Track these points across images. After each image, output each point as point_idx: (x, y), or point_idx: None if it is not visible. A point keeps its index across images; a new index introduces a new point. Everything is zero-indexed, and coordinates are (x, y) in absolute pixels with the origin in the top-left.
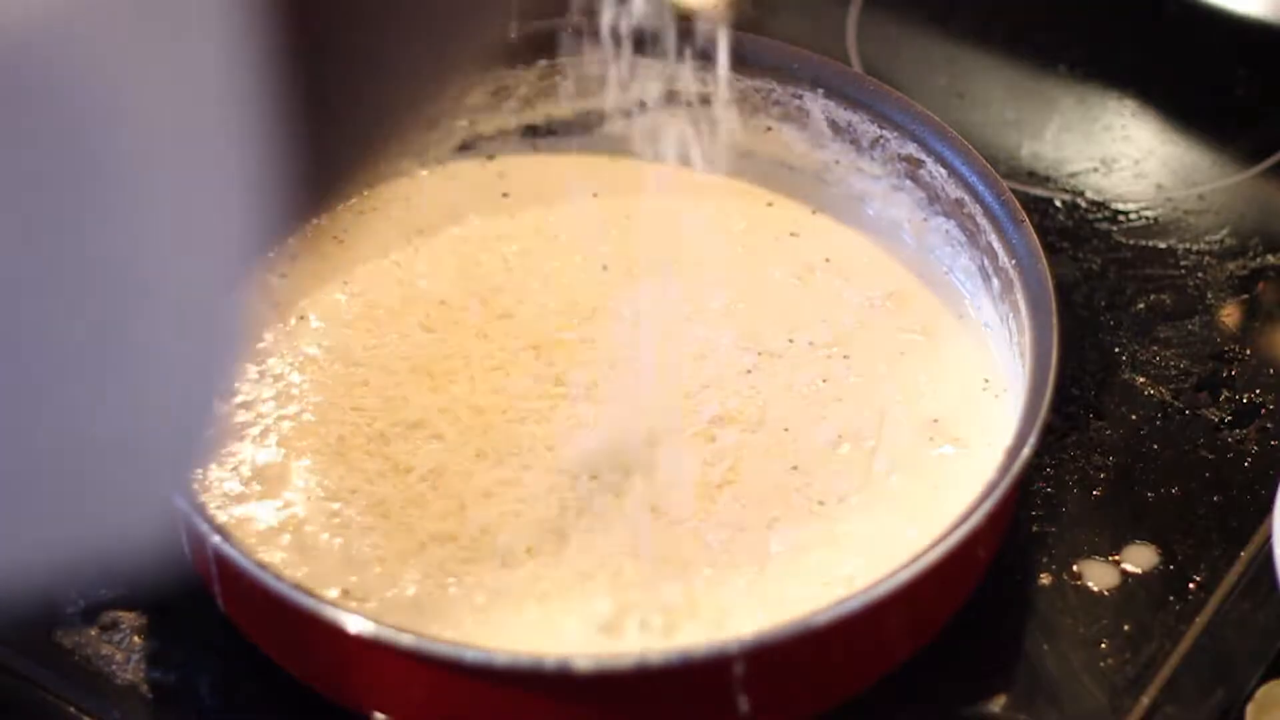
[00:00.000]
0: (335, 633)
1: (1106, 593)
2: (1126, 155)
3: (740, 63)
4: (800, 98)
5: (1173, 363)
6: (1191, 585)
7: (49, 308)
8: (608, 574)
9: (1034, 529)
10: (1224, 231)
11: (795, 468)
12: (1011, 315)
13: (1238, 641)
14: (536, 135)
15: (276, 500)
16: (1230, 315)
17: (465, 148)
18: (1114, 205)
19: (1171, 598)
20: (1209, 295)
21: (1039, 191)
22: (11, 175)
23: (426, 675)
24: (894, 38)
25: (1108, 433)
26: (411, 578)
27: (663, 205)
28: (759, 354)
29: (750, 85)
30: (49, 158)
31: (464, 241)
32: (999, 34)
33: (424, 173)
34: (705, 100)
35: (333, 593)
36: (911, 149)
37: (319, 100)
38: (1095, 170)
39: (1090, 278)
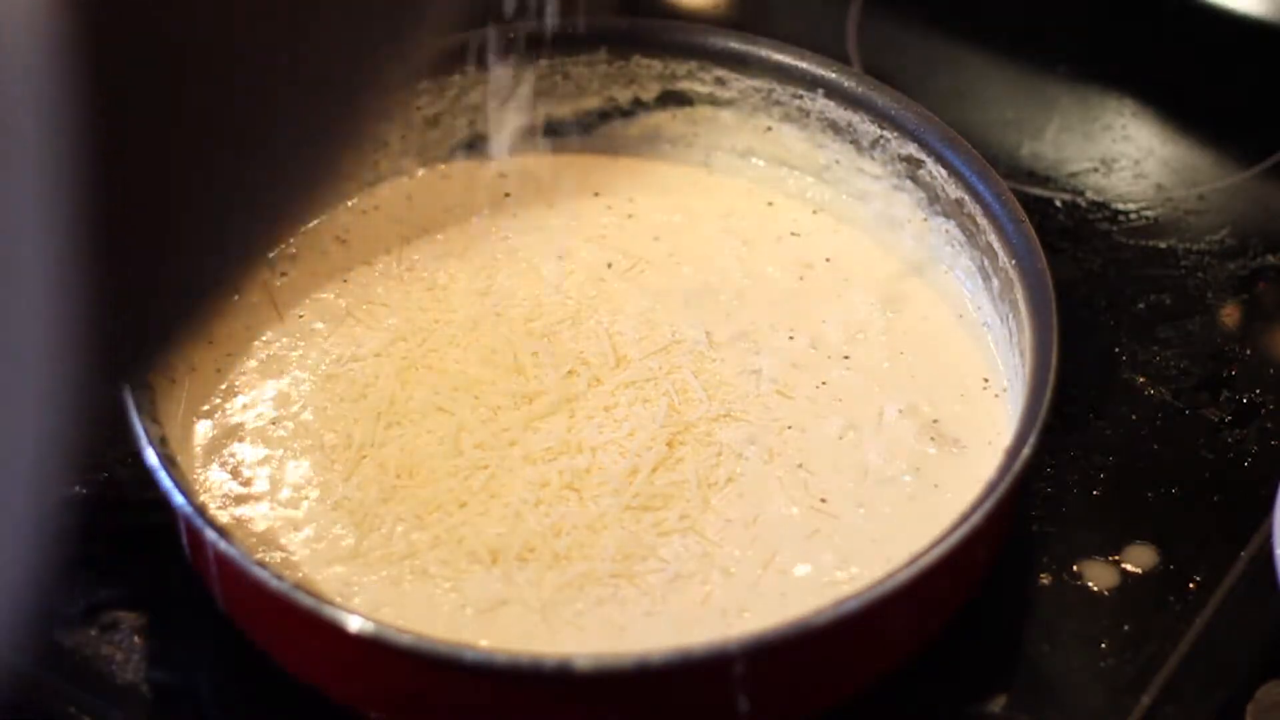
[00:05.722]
0: (335, 632)
1: (1106, 593)
2: (1126, 155)
3: (740, 63)
4: (800, 98)
5: (1173, 363)
6: (1191, 585)
7: None
8: (607, 574)
9: (1034, 529)
10: (1224, 231)
11: (799, 466)
12: (1011, 315)
13: (1238, 641)
14: (536, 135)
15: (276, 500)
16: (1230, 315)
17: (465, 148)
18: (1114, 205)
19: (1171, 598)
20: (1209, 295)
21: (1039, 191)
22: None
23: (426, 675)
24: (894, 38)
25: (1108, 433)
26: (412, 578)
27: (663, 205)
28: (760, 353)
29: (750, 85)
30: None
31: (464, 241)
32: (999, 34)
33: (424, 172)
34: (704, 100)
35: (332, 592)
36: (911, 149)
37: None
38: (1095, 170)
39: (1090, 278)
